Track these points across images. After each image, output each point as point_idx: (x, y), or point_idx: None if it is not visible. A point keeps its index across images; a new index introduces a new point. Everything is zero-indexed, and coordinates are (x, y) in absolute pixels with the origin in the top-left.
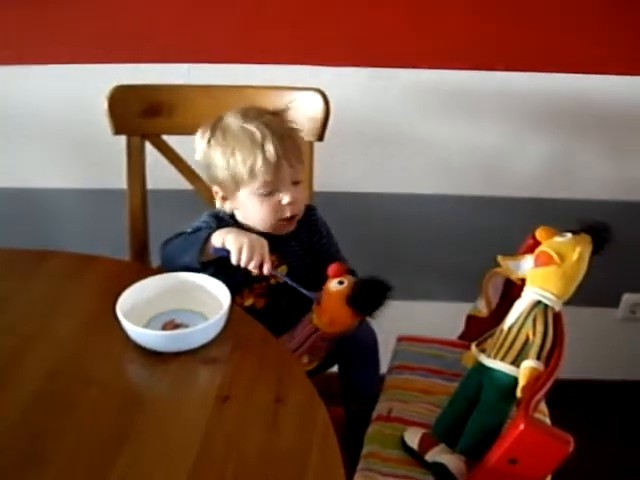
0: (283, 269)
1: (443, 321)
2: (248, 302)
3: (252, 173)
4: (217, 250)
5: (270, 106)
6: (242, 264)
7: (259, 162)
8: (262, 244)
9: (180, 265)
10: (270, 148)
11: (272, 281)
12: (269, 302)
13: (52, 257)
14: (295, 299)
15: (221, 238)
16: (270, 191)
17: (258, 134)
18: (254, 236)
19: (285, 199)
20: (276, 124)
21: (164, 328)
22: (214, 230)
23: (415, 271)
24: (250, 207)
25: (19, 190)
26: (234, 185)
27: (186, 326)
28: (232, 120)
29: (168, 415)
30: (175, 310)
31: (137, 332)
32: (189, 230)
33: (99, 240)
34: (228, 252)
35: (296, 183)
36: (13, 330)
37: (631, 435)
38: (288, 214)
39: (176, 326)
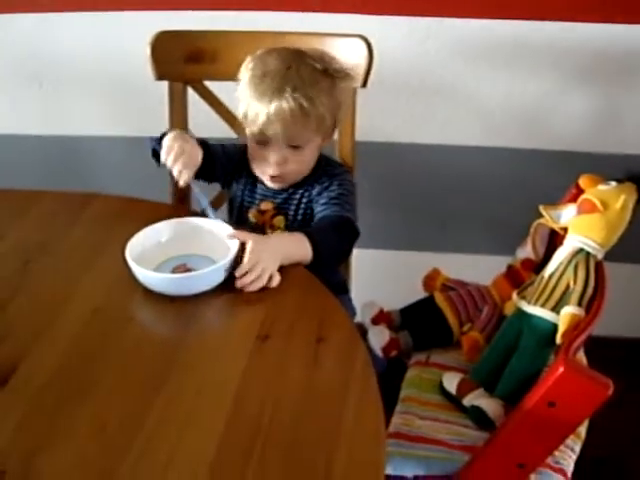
0: (280, 220)
1: (481, 272)
2: None
3: (245, 118)
4: (155, 146)
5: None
6: (167, 165)
7: (250, 111)
8: (191, 155)
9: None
10: (271, 104)
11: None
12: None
13: (96, 199)
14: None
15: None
16: (260, 142)
17: (272, 84)
18: (189, 145)
19: (272, 157)
20: (306, 82)
21: (174, 272)
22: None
23: (453, 223)
24: (249, 147)
25: (63, 137)
26: (243, 119)
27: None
28: (271, 59)
29: (208, 353)
30: (186, 255)
31: (145, 275)
32: None
33: (142, 187)
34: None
35: (295, 147)
36: (58, 270)
37: None
38: (271, 172)
39: (186, 270)
